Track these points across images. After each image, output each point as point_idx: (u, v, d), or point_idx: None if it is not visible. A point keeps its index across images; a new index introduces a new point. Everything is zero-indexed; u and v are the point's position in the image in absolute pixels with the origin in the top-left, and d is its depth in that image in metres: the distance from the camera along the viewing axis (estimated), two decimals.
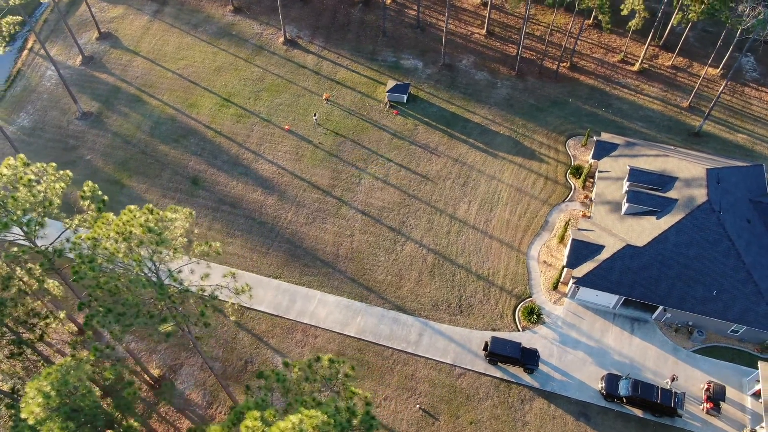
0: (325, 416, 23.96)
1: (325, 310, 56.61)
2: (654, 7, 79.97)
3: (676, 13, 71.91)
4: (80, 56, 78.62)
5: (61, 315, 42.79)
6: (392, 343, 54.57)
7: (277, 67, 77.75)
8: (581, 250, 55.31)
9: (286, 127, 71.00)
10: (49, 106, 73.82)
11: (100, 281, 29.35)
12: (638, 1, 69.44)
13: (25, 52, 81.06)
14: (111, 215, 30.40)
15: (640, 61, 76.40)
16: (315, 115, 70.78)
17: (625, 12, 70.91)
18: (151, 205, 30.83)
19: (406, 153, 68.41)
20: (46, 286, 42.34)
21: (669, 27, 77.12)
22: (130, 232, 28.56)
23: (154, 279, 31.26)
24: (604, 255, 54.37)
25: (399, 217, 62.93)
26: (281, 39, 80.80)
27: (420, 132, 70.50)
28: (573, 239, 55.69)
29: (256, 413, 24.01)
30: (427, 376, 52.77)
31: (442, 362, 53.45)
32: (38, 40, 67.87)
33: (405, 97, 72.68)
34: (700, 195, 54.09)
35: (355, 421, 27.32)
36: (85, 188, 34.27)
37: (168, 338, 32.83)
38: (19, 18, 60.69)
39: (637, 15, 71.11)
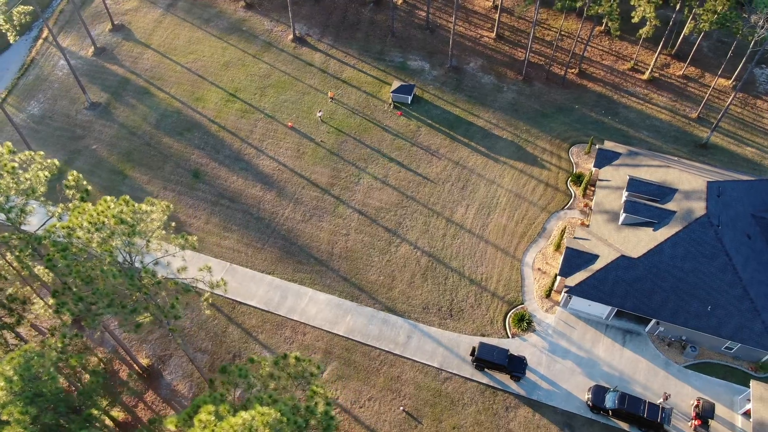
0: (279, 414, 24.06)
1: (315, 307, 56.76)
2: (667, 16, 78.76)
3: (689, 23, 70.73)
4: (92, 47, 79.87)
5: (51, 301, 43.48)
6: (380, 343, 54.52)
7: (284, 64, 78.14)
8: (575, 259, 54.69)
9: (289, 124, 71.33)
10: (59, 95, 75.11)
11: (73, 270, 29.75)
12: (650, 9, 68.44)
13: (40, 41, 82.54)
14: (88, 205, 30.82)
15: (650, 69, 75.28)
16: (320, 112, 71.00)
17: (636, 19, 69.90)
18: (127, 197, 31.20)
19: (407, 154, 68.28)
20: (36, 272, 43.07)
21: (681, 36, 75.85)
22: (103, 223, 28.94)
23: (127, 269, 31.59)
24: (598, 265, 53.69)
25: (396, 218, 62.85)
26: (290, 36, 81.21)
27: (422, 134, 70.31)
28: (567, 247, 55.09)
29: (211, 407, 24.17)
30: (412, 378, 52.63)
31: (429, 365, 53.27)
32: (49, 30, 69.04)
33: (409, 98, 72.54)
34: (699, 208, 53.13)
35: (313, 421, 27.39)
36: (70, 177, 34.81)
37: (137, 329, 33.11)
38: (30, 8, 61.80)
39: (648, 23, 70.11)
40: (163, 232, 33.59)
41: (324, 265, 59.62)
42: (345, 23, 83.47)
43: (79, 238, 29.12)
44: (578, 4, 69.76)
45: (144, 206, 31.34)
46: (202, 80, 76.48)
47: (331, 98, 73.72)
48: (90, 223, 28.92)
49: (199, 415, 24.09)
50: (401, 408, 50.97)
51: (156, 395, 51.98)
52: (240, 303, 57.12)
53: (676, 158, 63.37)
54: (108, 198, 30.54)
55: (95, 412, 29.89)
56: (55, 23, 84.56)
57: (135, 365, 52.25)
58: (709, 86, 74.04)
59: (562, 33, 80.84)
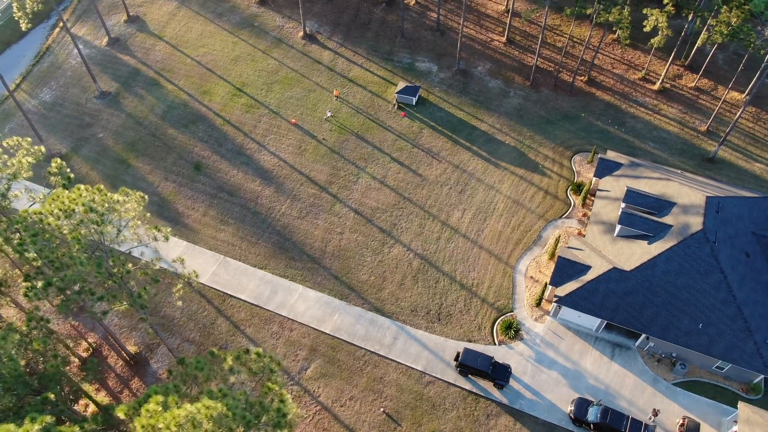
0: (225, 408, 24.21)
1: (304, 304, 56.97)
2: (680, 25, 77.25)
3: (703, 34, 69.31)
4: (107, 37, 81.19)
5: (39, 284, 44.33)
6: (366, 344, 54.50)
7: (293, 61, 78.53)
8: (567, 269, 54.03)
9: (293, 120, 71.67)
10: (71, 83, 76.51)
11: (42, 255, 30.31)
12: (662, 18, 67.28)
13: (57, 29, 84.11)
14: (64, 192, 31.36)
15: (661, 80, 73.99)
16: (329, 113, 71.22)
17: (647, 28, 68.74)
18: (101, 186, 31.66)
19: (408, 155, 68.13)
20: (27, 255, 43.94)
21: (695, 47, 74.37)
22: (73, 210, 29.43)
23: (97, 257, 32.07)
24: (590, 276, 52.96)
25: (391, 219, 62.76)
26: (301, 33, 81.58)
27: (425, 135, 70.08)
28: (559, 257, 54.44)
29: (160, 398, 24.41)
30: (395, 380, 52.51)
31: (413, 368, 53.09)
32: (62, 20, 70.29)
33: (414, 99, 72.35)
34: (696, 223, 52.06)
35: (266, 417, 27.48)
36: (53, 164, 35.46)
37: (104, 315, 33.41)
38: None
39: (660, 33, 68.90)
40: (140, 222, 33.98)
41: (316, 262, 59.80)
42: (356, 22, 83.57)
43: (49, 224, 29.66)
44: (588, 11, 68.78)
45: (117, 196, 31.75)
46: (210, 74, 77.26)
47: (336, 97, 73.89)
48: (60, 210, 29.42)
49: (147, 405, 24.40)
50: (382, 409, 50.89)
51: (141, 382, 52.68)
52: (230, 296, 57.59)
53: (679, 171, 62.19)
54: (82, 186, 31.06)
55: (51, 396, 30.36)
56: (73, 12, 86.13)
57: (123, 352, 52.97)
58: (727, 101, 72.45)
59: (574, 40, 79.86)
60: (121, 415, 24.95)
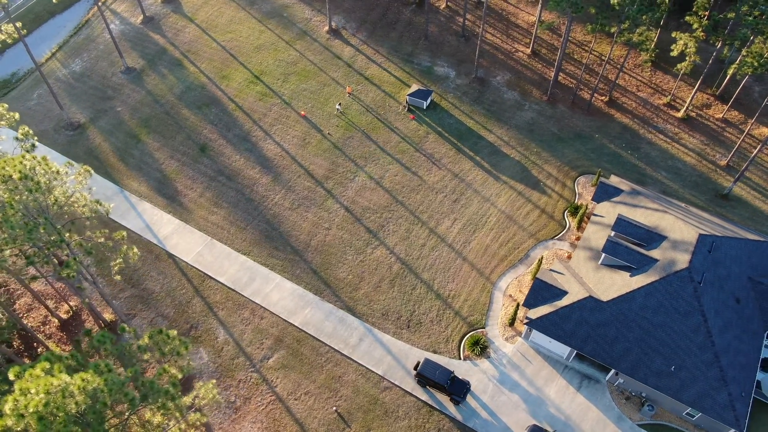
0: (102, 382, 24.77)
1: (279, 294, 57.52)
2: (711, 51, 73.27)
3: (735, 64, 65.61)
4: (142, 15, 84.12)
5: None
6: (331, 341, 54.56)
7: (313, 54, 79.20)
8: (542, 292, 52.44)
9: (302, 113, 72.34)
10: (101, 56, 79.69)
11: None
12: (691, 43, 64.25)
13: (100, 3, 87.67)
14: (8, 158, 32.74)
15: (685, 107, 70.57)
16: (339, 105, 71.60)
17: (674, 53, 65.81)
18: (46, 156, 32.89)
19: (409, 159, 67.62)
20: None
21: (728, 77, 70.53)
22: (10, 176, 30.73)
23: (31, 223, 33.29)
24: (564, 302, 51.23)
25: (380, 221, 62.50)
26: (326, 27, 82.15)
27: (429, 141, 69.37)
28: (536, 278, 52.89)
29: (46, 364, 25.24)
30: (353, 381, 52.36)
31: (373, 371, 52.79)
32: None
33: (425, 103, 71.71)
34: (683, 260, 49.46)
35: (151, 399, 27.85)
36: (20, 131, 37.09)
37: (33, 280, 34.43)
38: None
39: (687, 58, 65.80)
40: (88, 195, 35.11)
41: (298, 254, 60.24)
42: (383, 21, 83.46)
43: None
44: (612, 30, 66.30)
45: (59, 167, 32.90)
46: (232, 59, 78.87)
47: (349, 93, 74.07)
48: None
49: (32, 369, 25.30)
50: (334, 408, 50.87)
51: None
52: (210, 277, 58.77)
53: (683, 205, 59.24)
54: (27, 155, 32.40)
55: None
56: None
57: (99, 319, 54.89)
58: (748, 133, 68.48)
59: (603, 58, 77.15)
60: (11, 376, 26.02)
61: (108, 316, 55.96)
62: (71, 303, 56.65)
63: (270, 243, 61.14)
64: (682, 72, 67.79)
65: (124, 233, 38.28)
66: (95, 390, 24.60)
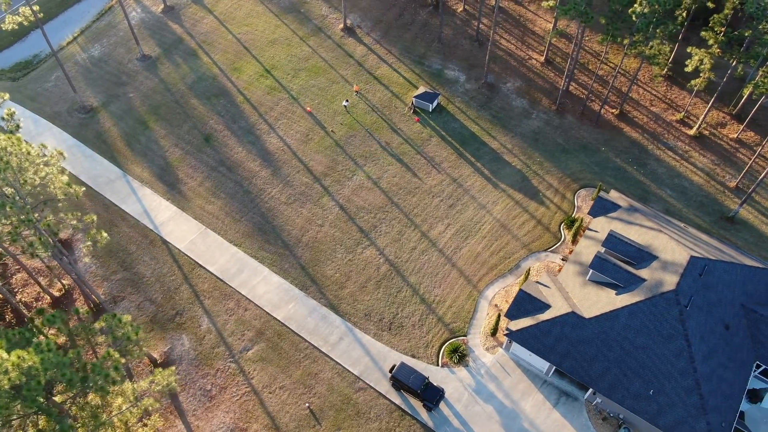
0: (38, 361, 25.35)
1: (265, 287, 57.94)
2: (729, 68, 70.90)
3: (751, 83, 63.42)
4: (163, 4, 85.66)
5: None
6: (311, 337, 54.70)
7: (326, 51, 79.48)
8: (525, 304, 51.61)
9: (308, 108, 72.68)
10: (120, 43, 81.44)
11: None
12: (707, 59, 62.42)
13: None
14: None
15: (698, 125, 68.53)
16: (346, 101, 71.74)
17: (689, 68, 64.09)
18: (20, 136, 33.78)
19: (409, 161, 67.31)
20: None
21: (746, 96, 68.19)
22: None
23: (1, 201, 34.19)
24: (547, 315, 50.32)
25: (373, 221, 62.39)
26: (341, 25, 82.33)
27: (432, 144, 68.93)
28: (520, 290, 52.07)
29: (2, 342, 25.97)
30: (329, 379, 52.41)
31: (349, 371, 52.74)
32: None
33: (431, 106, 71.28)
34: (670, 282, 48.03)
35: (93, 381, 28.35)
36: (6, 112, 38.14)
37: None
38: None
39: (701, 74, 63.96)
40: (65, 177, 35.92)
41: (289, 249, 60.57)
42: (398, 21, 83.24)
43: None
44: (625, 41, 64.76)
45: (30, 148, 33.74)
46: (246, 52, 79.70)
47: (357, 92, 74.13)
48: None
49: None
50: (307, 404, 51.01)
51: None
52: (200, 266, 59.54)
53: (682, 225, 57.61)
54: (2, 135, 33.28)
55: None
56: None
57: (89, 300, 56.15)
58: (762, 155, 66.17)
59: (619, 70, 75.42)
60: None
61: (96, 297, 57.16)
62: (64, 281, 58.06)
63: (262, 236, 61.61)
64: (696, 89, 65.83)
65: (94, 217, 39.09)
66: (30, 368, 25.26)
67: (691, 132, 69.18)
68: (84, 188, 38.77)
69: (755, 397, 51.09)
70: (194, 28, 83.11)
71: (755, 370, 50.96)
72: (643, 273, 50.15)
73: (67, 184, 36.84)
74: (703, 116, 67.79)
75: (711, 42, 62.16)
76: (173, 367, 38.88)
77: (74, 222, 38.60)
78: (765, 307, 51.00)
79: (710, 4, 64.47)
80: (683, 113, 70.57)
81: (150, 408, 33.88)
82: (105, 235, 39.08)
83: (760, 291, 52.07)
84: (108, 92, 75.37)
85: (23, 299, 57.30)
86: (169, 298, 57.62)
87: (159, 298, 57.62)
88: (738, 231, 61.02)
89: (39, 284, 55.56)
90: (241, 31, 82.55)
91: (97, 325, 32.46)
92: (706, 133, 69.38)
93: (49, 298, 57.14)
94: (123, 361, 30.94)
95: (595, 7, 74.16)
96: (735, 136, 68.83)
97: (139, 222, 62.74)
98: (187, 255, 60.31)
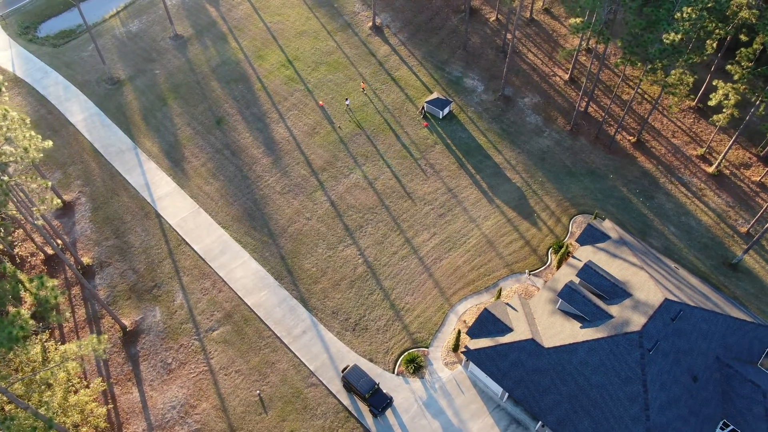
0: None
1: (242, 272, 58.98)
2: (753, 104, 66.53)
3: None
4: None
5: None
6: (276, 327, 55.33)
7: (350, 47, 79.87)
8: (488, 324, 50.37)
9: (321, 102, 73.29)
10: (157, 21, 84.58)
11: None
12: (732, 93, 58.96)
13: None
14: None
15: (718, 162, 64.72)
16: (347, 101, 72.07)
17: (712, 102, 60.74)
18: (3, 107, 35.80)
19: (409, 165, 66.83)
20: None
21: None
22: None
23: None
24: (506, 339, 48.94)
25: (360, 221, 62.35)
26: (370, 23, 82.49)
27: (435, 151, 68.16)
28: (485, 309, 50.83)
29: None
30: (284, 370, 52.88)
31: (305, 365, 53.02)
32: None
33: (441, 113, 70.47)
34: (637, 322, 45.70)
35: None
36: None
37: None
38: None
39: (725, 110, 60.46)
40: (45, 143, 37.93)
41: (272, 238, 61.40)
42: (428, 25, 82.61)
43: None
44: (644, 67, 61.82)
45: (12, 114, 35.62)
46: (273, 41, 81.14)
47: (363, 89, 74.16)
48: None
49: None
50: (258, 392, 51.66)
51: (79, 291, 58.30)
52: (186, 243, 61.23)
53: (673, 265, 54.64)
54: None
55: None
56: None
57: (77, 262, 58.84)
58: None
59: (641, 95, 72.25)
60: None
61: (85, 260, 59.80)
62: (58, 242, 61.02)
63: (250, 221, 62.71)
64: (719, 124, 62.21)
65: (49, 183, 40.84)
66: None
67: (710, 169, 65.42)
68: (52, 142, 40.53)
69: None
70: (229, 13, 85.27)
71: (722, 429, 47.82)
72: (613, 309, 47.96)
73: (24, 149, 38.58)
74: (723, 153, 63.94)
75: (737, 77, 58.55)
76: (105, 335, 40.32)
77: (34, 186, 40.63)
78: (743, 363, 47.81)
79: (743, 37, 60.59)
80: (705, 148, 66.81)
81: (71, 371, 35.25)
82: (57, 201, 40.85)
83: (742, 346, 48.82)
84: (136, 67, 78.47)
85: (21, 253, 60.66)
86: (151, 270, 59.57)
87: (142, 269, 59.66)
88: (739, 280, 57.31)
89: (33, 241, 58.62)
90: (273, 20, 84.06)
91: (20, 287, 34.07)
92: (727, 172, 65.45)
93: (42, 255, 60.22)
94: (31, 322, 32.49)
95: (621, 28, 71.16)
96: (758, 179, 64.60)
97: (139, 194, 65.12)
98: (176, 231, 62.14)
